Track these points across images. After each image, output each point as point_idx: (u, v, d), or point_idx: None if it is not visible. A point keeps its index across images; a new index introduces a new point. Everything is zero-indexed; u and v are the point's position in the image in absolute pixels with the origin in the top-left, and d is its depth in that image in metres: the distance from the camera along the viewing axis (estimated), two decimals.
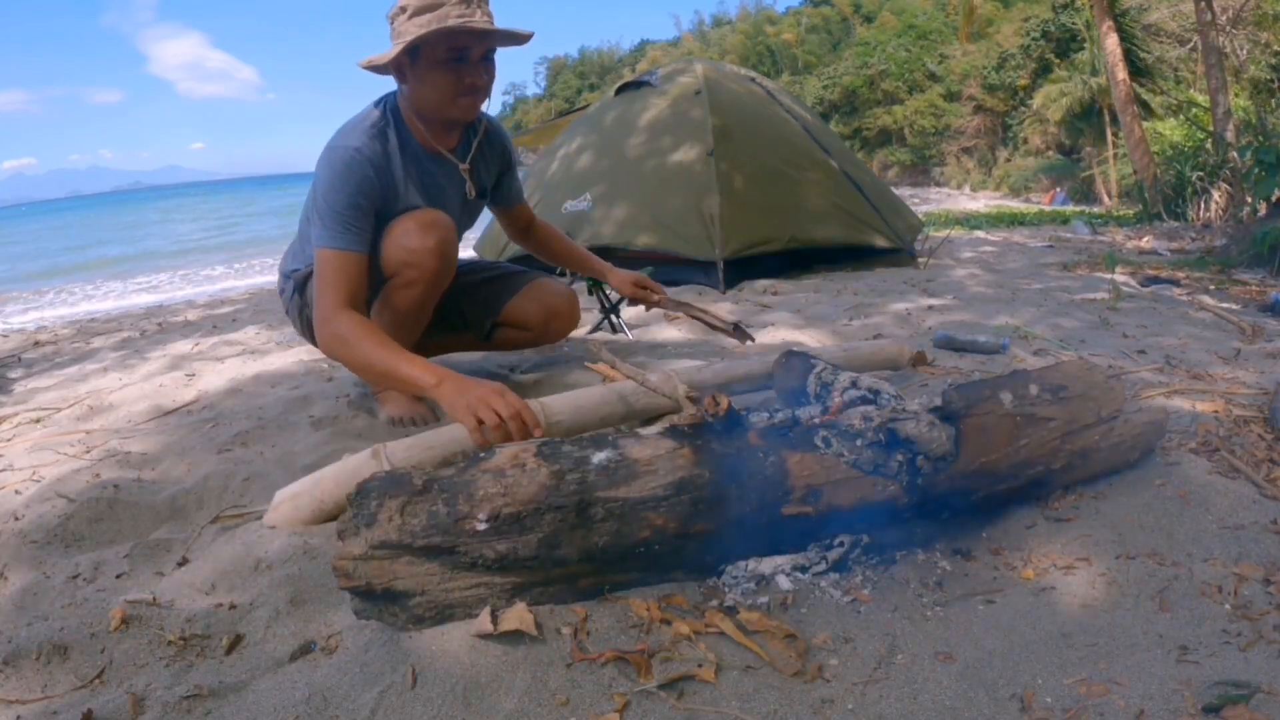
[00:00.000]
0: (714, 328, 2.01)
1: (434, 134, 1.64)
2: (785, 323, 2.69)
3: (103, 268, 11.81)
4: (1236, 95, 9.55)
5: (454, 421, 1.31)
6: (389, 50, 1.52)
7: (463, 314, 1.93)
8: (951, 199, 18.73)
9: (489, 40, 1.54)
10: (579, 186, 4.37)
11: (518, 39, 1.57)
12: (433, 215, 1.60)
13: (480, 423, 1.23)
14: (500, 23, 1.53)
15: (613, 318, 2.54)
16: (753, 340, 2.04)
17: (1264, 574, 1.01)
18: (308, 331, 1.81)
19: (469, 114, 1.62)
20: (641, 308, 2.21)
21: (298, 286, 1.75)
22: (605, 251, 3.95)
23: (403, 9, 1.49)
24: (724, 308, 3.10)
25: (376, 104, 1.62)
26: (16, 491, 1.48)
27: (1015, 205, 14.64)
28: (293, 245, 1.80)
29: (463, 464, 0.98)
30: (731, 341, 2.34)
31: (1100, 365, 1.61)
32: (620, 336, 2.52)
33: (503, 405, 1.25)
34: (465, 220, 1.80)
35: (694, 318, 2.00)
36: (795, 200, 4.08)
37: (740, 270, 3.76)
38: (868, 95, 29.68)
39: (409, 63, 1.52)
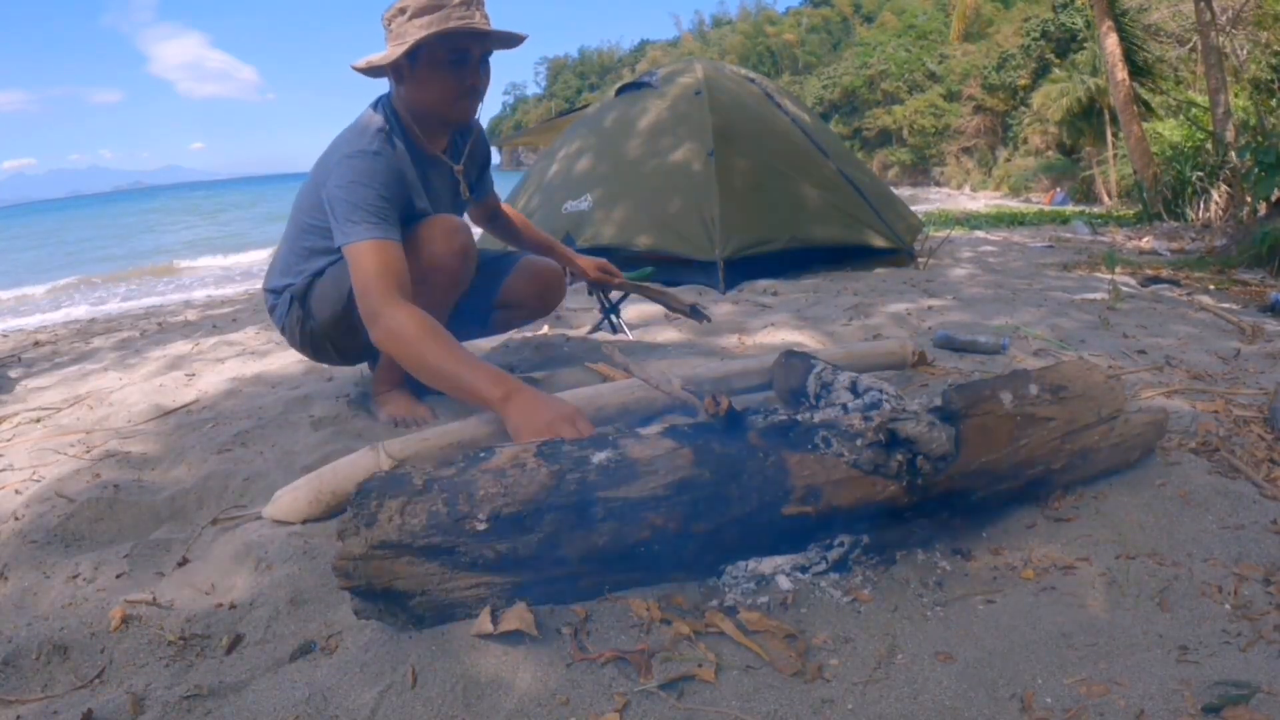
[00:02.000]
0: (672, 309, 2.15)
1: (428, 136, 1.64)
2: (785, 323, 2.69)
3: (105, 272, 11.81)
4: (1236, 95, 9.54)
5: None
6: (385, 52, 1.52)
7: (461, 307, 1.93)
8: (951, 199, 18.74)
9: (489, 42, 1.55)
10: (579, 187, 4.37)
11: (514, 40, 1.58)
12: (455, 222, 1.60)
13: None
14: (496, 24, 1.54)
15: (612, 318, 2.54)
16: (709, 320, 2.14)
17: (1264, 574, 1.01)
18: (308, 346, 1.78)
19: (467, 116, 1.62)
20: (642, 308, 2.25)
21: (296, 298, 1.71)
22: (605, 252, 3.98)
23: (402, 10, 1.48)
24: (724, 308, 3.09)
25: (374, 108, 1.61)
26: (16, 491, 1.49)
27: (1015, 205, 14.66)
28: (280, 261, 1.76)
29: (463, 464, 0.98)
30: (731, 342, 2.34)
31: (1100, 365, 1.61)
32: (620, 336, 2.52)
33: (574, 436, 1.15)
34: None
35: (651, 299, 2.14)
36: (795, 200, 4.09)
37: (740, 270, 3.76)
38: (868, 95, 29.73)
39: (408, 65, 1.52)
